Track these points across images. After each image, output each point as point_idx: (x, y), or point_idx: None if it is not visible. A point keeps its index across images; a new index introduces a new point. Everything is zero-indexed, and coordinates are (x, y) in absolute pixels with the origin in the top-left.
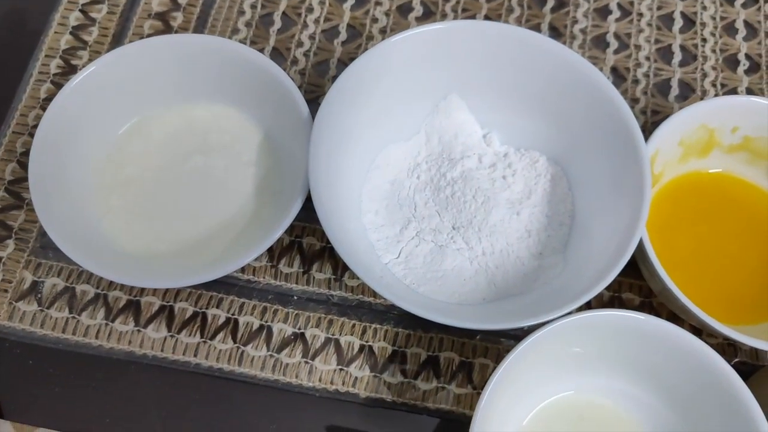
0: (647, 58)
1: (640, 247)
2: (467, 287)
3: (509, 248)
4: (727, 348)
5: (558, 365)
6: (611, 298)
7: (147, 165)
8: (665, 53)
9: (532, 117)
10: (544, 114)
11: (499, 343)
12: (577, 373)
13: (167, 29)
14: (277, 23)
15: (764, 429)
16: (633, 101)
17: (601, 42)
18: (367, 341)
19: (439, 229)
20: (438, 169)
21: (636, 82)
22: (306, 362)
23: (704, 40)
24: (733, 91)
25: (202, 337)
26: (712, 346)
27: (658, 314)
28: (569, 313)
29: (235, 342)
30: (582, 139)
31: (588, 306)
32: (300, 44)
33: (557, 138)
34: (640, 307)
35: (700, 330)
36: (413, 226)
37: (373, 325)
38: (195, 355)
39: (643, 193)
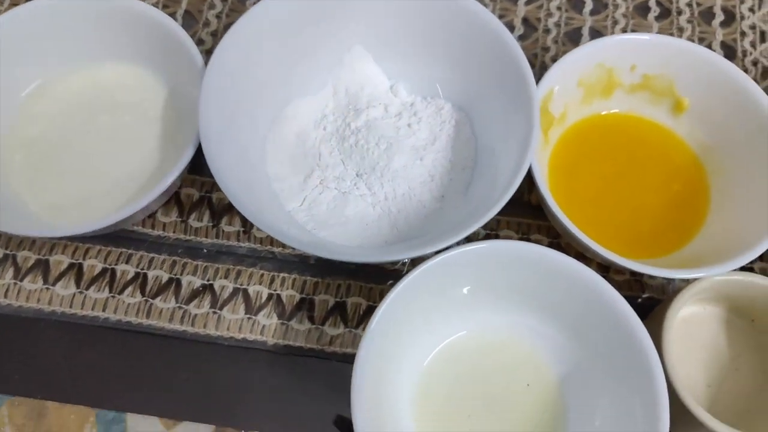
0: (558, 8)
1: (539, 189)
2: (369, 231)
3: (411, 192)
4: (634, 284)
5: (454, 304)
6: (519, 240)
7: (52, 125)
8: (577, 3)
9: (437, 66)
10: (448, 62)
11: None
12: (476, 310)
13: None
14: None
15: (655, 359)
16: (544, 50)
17: None
18: (275, 290)
19: (343, 177)
20: (344, 119)
21: (547, 31)
22: (214, 312)
23: None
24: None
25: (110, 292)
26: (618, 282)
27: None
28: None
29: (143, 295)
30: (482, 84)
31: None
32: (212, 6)
33: (461, 85)
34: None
35: (607, 267)
36: (317, 174)
37: (282, 274)
38: (104, 310)
39: (531, 131)
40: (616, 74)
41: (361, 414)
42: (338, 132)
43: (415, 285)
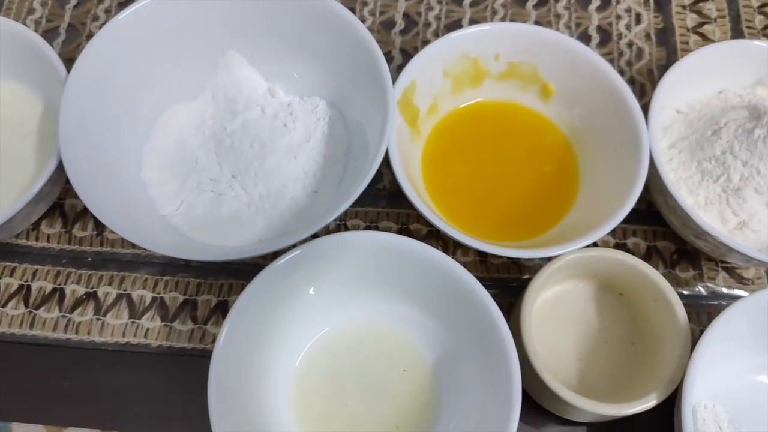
0: (439, 2)
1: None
2: (245, 230)
3: (285, 189)
4: (512, 266)
5: (315, 301)
6: (399, 230)
7: None
8: None
9: (310, 65)
10: (318, 61)
11: None
12: (341, 304)
13: None
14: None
15: (507, 337)
16: (424, 43)
17: None
18: (158, 293)
19: (219, 179)
20: (221, 122)
21: (428, 25)
22: (98, 319)
23: None
24: None
25: None
26: (497, 265)
27: (445, 243)
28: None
29: (27, 307)
30: (348, 79)
31: None
32: (96, 18)
33: (332, 82)
34: (427, 237)
35: (486, 253)
36: (193, 178)
37: (165, 278)
38: None
39: (385, 123)
40: (482, 63)
41: (219, 415)
42: (216, 136)
43: (266, 285)
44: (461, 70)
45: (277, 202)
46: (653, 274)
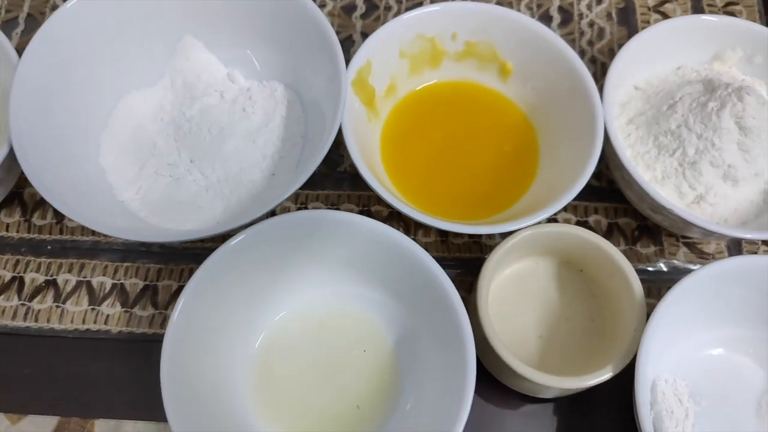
0: None
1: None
2: (203, 214)
3: (242, 173)
4: (473, 246)
5: (274, 283)
6: (360, 212)
7: None
8: None
9: (268, 49)
10: (277, 45)
11: None
12: (301, 287)
13: None
14: None
15: (462, 314)
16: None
17: None
18: (119, 279)
19: (177, 164)
20: (180, 108)
21: (388, 8)
22: (57, 306)
23: None
24: None
25: None
26: (458, 245)
27: (406, 224)
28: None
29: None
30: (305, 62)
31: None
32: (55, 7)
33: (290, 65)
34: (388, 219)
35: (447, 232)
36: (152, 163)
37: (125, 264)
38: None
39: (338, 103)
40: (439, 43)
41: (172, 397)
42: (174, 121)
43: (219, 267)
44: (418, 51)
45: (236, 185)
46: (609, 249)
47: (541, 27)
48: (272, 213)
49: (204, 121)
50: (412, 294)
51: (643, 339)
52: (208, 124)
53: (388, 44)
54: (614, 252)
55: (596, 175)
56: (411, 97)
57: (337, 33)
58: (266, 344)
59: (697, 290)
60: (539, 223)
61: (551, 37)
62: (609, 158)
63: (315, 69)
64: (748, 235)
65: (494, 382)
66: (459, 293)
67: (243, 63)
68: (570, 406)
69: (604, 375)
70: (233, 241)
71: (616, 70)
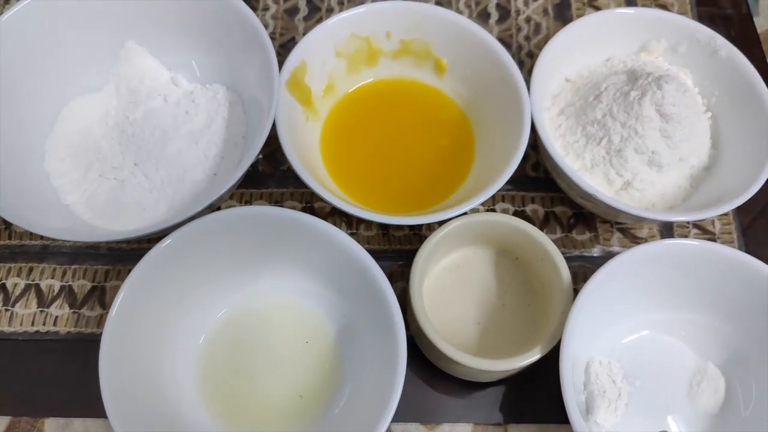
0: None
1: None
2: (147, 215)
3: (185, 174)
4: (413, 238)
5: (215, 279)
6: (303, 209)
7: None
8: None
9: (208, 53)
10: (216, 48)
11: None
12: (244, 281)
13: None
14: None
15: (393, 302)
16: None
17: None
18: (67, 282)
19: (121, 166)
20: (124, 113)
21: (330, 10)
22: (6, 310)
23: None
24: None
25: None
26: (399, 237)
27: (348, 219)
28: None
29: None
30: (243, 64)
31: None
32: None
33: (229, 67)
34: (331, 214)
35: (387, 225)
36: (96, 167)
37: (74, 266)
38: None
39: (271, 102)
40: (374, 42)
41: (112, 395)
42: (119, 125)
43: (155, 266)
44: (354, 50)
45: (179, 186)
46: (537, 235)
47: (470, 23)
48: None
49: (147, 125)
50: (349, 286)
51: (567, 320)
52: (151, 127)
53: (323, 44)
54: (542, 238)
55: (534, 165)
56: (350, 95)
57: (281, 35)
58: (209, 340)
59: (622, 274)
60: (468, 213)
61: (480, 33)
62: (542, 149)
63: (251, 70)
64: (671, 218)
65: (438, 370)
66: (401, 284)
67: (186, 67)
68: (513, 389)
69: (533, 357)
70: (168, 240)
71: (543, 62)
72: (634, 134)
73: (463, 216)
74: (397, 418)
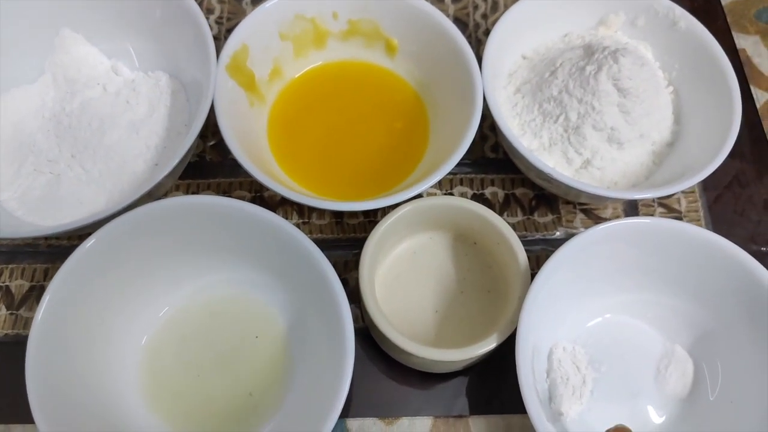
0: None
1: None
2: (84, 208)
3: (125, 165)
4: (368, 225)
5: (166, 270)
6: (252, 198)
7: None
8: None
9: (148, 40)
10: (156, 35)
11: None
12: (192, 273)
13: None
14: None
15: (340, 292)
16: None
17: None
18: (4, 282)
19: (57, 159)
20: (60, 104)
21: None
22: None
23: None
24: None
25: None
26: (353, 225)
27: (300, 208)
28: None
29: None
30: (183, 51)
31: None
32: None
33: (170, 54)
34: (282, 204)
35: (341, 213)
36: (30, 161)
37: (11, 266)
38: None
39: (209, 87)
40: (321, 23)
41: (41, 401)
42: (55, 117)
43: (87, 262)
44: (300, 32)
45: (118, 178)
46: (491, 217)
47: (418, 1)
48: None
49: (84, 115)
50: (298, 278)
51: (523, 306)
52: (88, 117)
53: (265, 27)
54: (497, 221)
55: (493, 147)
56: (299, 80)
57: (228, 20)
58: (153, 338)
59: (581, 256)
60: (425, 196)
61: (429, 9)
62: (497, 129)
63: (190, 55)
64: (633, 196)
65: (397, 363)
66: (355, 274)
67: (126, 54)
68: (477, 380)
69: (489, 345)
70: (97, 235)
71: (495, 39)
72: (591, 110)
73: (414, 200)
74: (353, 414)
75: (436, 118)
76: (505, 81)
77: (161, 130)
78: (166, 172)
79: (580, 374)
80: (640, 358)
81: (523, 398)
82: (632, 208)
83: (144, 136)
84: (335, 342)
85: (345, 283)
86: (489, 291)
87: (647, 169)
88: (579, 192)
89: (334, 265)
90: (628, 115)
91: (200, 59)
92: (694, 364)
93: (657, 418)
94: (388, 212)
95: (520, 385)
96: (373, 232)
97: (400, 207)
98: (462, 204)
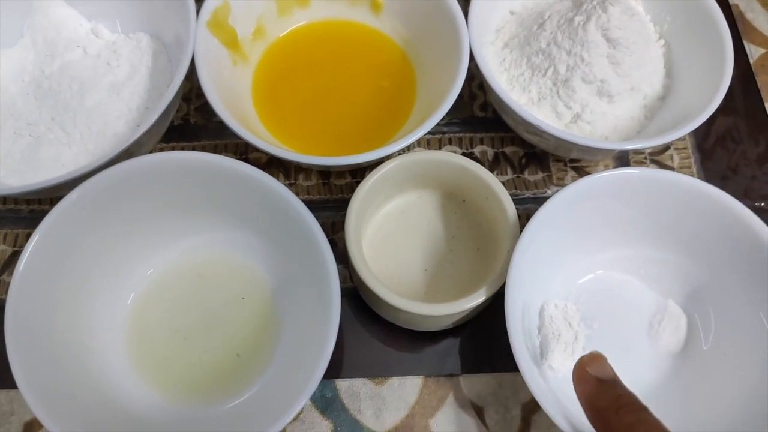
0: None
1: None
2: (66, 171)
3: (106, 127)
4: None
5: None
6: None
7: None
8: None
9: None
10: None
11: None
12: (177, 233)
13: None
14: None
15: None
16: None
17: None
18: None
19: (37, 122)
20: (40, 67)
21: None
22: None
23: None
24: None
25: None
26: (340, 186)
27: (286, 169)
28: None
29: None
30: (163, 9)
31: None
32: None
33: (150, 13)
34: (268, 165)
35: (329, 173)
36: (10, 124)
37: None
38: None
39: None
40: None
41: (23, 366)
42: (35, 80)
43: (67, 221)
44: None
45: (100, 139)
46: (477, 170)
47: None
48: None
49: (64, 78)
50: (284, 237)
51: (511, 259)
52: (68, 80)
53: None
54: (485, 174)
55: (482, 105)
56: (283, 39)
57: None
58: (139, 300)
59: (569, 210)
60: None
61: None
62: (485, 84)
63: (169, 14)
64: (625, 146)
65: (387, 324)
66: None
67: (107, 16)
68: (468, 340)
69: (478, 299)
70: (77, 192)
71: None
72: (580, 62)
73: (399, 156)
74: (343, 374)
75: (423, 76)
76: (492, 36)
77: (143, 92)
78: (144, 129)
79: (572, 330)
80: (633, 313)
81: (514, 353)
82: (624, 165)
83: (125, 98)
84: (322, 301)
85: (333, 244)
86: (478, 249)
87: (639, 123)
88: (569, 145)
89: (322, 226)
90: (618, 66)
91: (180, 16)
92: (687, 318)
93: (650, 373)
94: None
95: (510, 340)
96: (357, 189)
97: (384, 164)
98: (448, 158)
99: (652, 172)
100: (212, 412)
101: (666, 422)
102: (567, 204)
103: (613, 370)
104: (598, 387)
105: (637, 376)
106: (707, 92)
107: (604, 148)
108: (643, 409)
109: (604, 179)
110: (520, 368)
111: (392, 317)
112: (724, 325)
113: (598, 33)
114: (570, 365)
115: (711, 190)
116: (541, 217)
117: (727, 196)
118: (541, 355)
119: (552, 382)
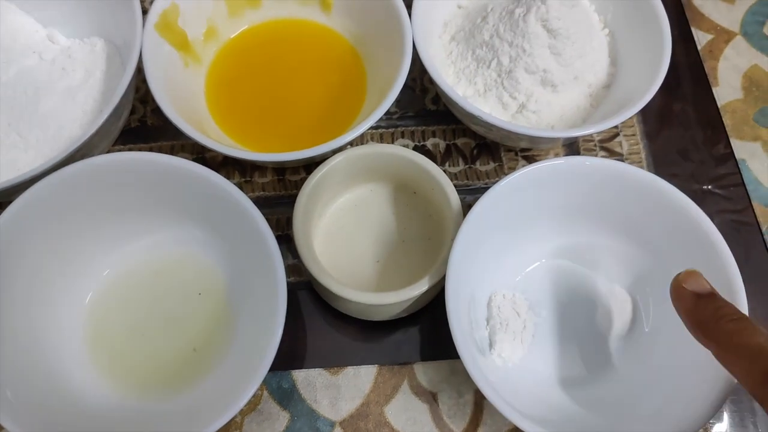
0: None
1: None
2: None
3: (62, 131)
4: None
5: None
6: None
7: None
8: None
9: (79, 6)
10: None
11: None
12: (134, 231)
13: None
14: None
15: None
16: None
17: None
18: None
19: None
20: None
21: None
22: None
23: None
24: None
25: None
26: (295, 181)
27: (242, 167)
28: None
29: None
30: (111, 13)
31: None
32: None
33: (102, 18)
34: (224, 164)
35: (283, 170)
36: None
37: None
38: None
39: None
40: None
41: None
42: None
43: (21, 221)
44: None
45: (56, 143)
46: (422, 161)
47: None
48: None
49: (20, 84)
50: (234, 233)
51: (453, 245)
52: (23, 85)
53: None
54: (429, 165)
55: (433, 99)
56: (235, 39)
57: None
58: (96, 299)
59: (513, 198)
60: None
61: None
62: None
63: (119, 18)
64: (568, 134)
65: (342, 316)
66: None
67: (61, 22)
68: (424, 329)
69: (422, 287)
70: (26, 194)
71: None
72: (522, 53)
73: (345, 151)
74: (299, 365)
75: (372, 71)
76: (440, 30)
77: (98, 95)
78: (92, 131)
79: (521, 319)
80: (581, 300)
81: (455, 342)
82: (574, 153)
83: (80, 102)
84: (271, 294)
85: (289, 239)
86: (429, 238)
87: (584, 111)
88: (516, 136)
89: (277, 222)
90: (560, 56)
91: (128, 19)
92: (632, 302)
93: (599, 356)
94: None
95: (450, 325)
96: (304, 186)
97: (329, 159)
98: (392, 150)
99: (594, 161)
100: (169, 405)
101: (612, 404)
102: (510, 191)
103: (709, 283)
104: (697, 301)
105: (588, 359)
106: (648, 78)
107: (549, 136)
108: (743, 318)
109: (542, 169)
110: (462, 359)
111: (344, 308)
112: (661, 308)
113: (537, 24)
114: (520, 354)
115: (649, 177)
116: (482, 204)
117: (665, 183)
118: (490, 344)
119: (501, 372)
